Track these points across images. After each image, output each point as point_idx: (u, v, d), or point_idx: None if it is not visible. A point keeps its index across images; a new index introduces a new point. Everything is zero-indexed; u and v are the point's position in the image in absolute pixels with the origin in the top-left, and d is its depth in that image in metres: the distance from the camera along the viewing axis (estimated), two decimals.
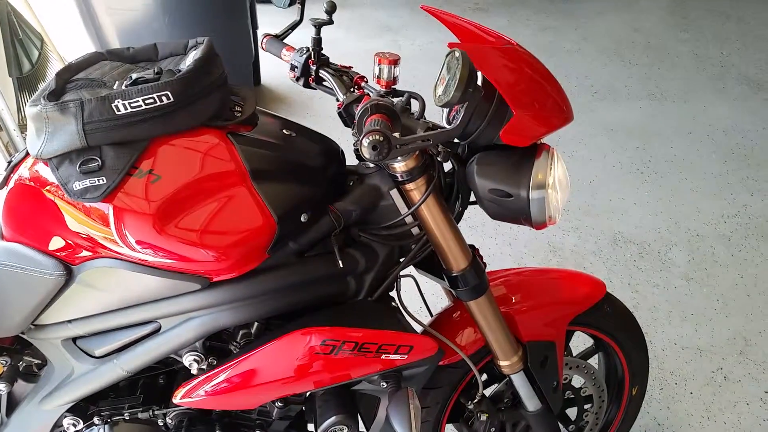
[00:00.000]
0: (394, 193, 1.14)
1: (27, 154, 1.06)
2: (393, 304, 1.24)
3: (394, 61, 0.98)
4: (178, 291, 1.02)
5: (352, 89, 1.23)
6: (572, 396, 1.56)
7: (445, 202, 1.15)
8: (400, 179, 1.09)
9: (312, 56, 1.29)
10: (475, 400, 1.40)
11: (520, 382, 1.36)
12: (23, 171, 1.05)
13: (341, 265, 1.10)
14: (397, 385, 1.11)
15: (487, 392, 1.46)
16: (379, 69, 0.99)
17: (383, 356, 1.07)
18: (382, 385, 1.14)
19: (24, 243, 1.05)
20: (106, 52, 1.13)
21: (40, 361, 1.22)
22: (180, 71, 1.04)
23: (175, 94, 0.96)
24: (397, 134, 0.84)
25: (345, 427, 1.12)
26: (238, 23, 3.15)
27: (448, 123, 1.13)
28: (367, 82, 1.28)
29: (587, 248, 2.60)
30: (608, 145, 3.25)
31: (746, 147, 3.21)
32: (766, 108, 3.51)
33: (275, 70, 3.76)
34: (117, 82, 1.04)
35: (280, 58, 1.40)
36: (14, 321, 1.09)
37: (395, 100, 1.03)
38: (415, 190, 1.10)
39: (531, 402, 1.39)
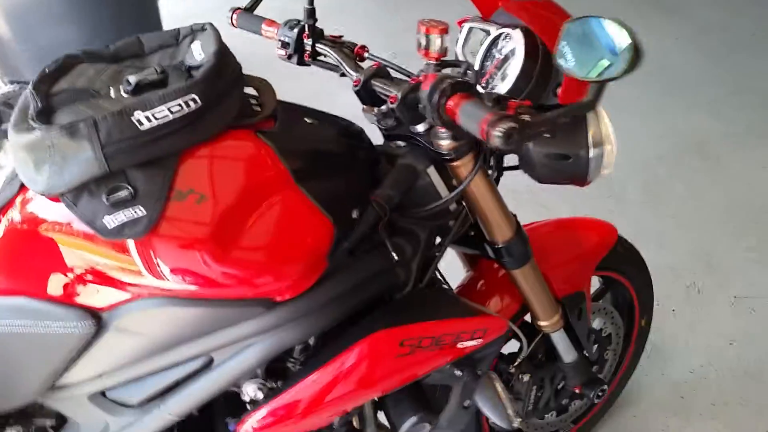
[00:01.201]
0: (432, 171, 1.06)
1: (18, 192, 0.88)
2: (443, 285, 1.17)
3: (445, 30, 0.87)
4: (237, 320, 0.90)
5: (357, 62, 1.12)
6: (595, 338, 1.57)
7: None
8: (447, 157, 1.00)
9: (306, 29, 1.15)
10: (515, 363, 1.37)
11: (559, 337, 1.35)
12: (13, 213, 0.87)
13: (396, 258, 1.01)
14: (473, 372, 1.06)
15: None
16: (427, 39, 0.88)
17: (459, 345, 1.01)
18: (457, 373, 1.08)
19: (31, 295, 0.88)
20: (81, 53, 0.94)
21: (55, 422, 1.06)
22: (193, 67, 0.89)
23: (202, 96, 0.81)
24: (527, 116, 0.74)
25: (427, 424, 1.05)
26: None
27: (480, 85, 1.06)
28: (369, 51, 1.17)
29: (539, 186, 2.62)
30: None
31: (665, 71, 3.34)
32: (670, 26, 3.65)
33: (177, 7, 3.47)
34: (112, 89, 0.87)
35: (260, 34, 1.25)
36: (30, 388, 0.93)
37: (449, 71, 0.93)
38: (462, 166, 1.03)
39: (569, 354, 1.38)
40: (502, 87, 1.00)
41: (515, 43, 0.99)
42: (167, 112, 0.79)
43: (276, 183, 0.87)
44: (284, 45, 1.17)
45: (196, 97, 0.81)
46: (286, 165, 0.88)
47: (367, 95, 1.03)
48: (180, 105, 0.80)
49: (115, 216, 0.77)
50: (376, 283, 1.02)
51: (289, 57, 1.19)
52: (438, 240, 1.15)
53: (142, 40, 0.97)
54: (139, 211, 0.78)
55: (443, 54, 0.89)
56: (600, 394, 1.43)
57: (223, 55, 0.86)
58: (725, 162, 2.79)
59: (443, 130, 0.98)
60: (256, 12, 1.29)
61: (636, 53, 0.77)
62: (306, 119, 1.02)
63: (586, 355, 1.43)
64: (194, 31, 0.95)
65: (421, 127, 1.00)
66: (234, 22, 1.28)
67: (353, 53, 1.16)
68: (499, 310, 1.31)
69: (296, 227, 0.86)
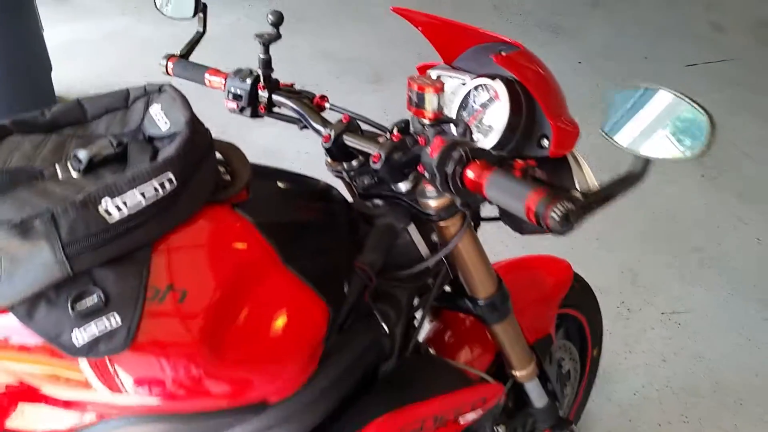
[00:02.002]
0: (412, 229, 1.00)
1: None
2: (428, 349, 1.10)
3: (440, 89, 0.81)
4: (225, 429, 0.77)
5: (319, 114, 1.04)
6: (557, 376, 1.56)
7: None
8: (434, 217, 0.94)
9: (261, 80, 1.05)
10: None
11: (533, 385, 1.31)
12: None
13: (387, 329, 0.93)
14: None
15: None
16: (420, 98, 0.82)
17: (461, 419, 0.94)
18: None
19: None
20: (9, 123, 0.79)
21: None
22: (155, 137, 0.77)
23: (179, 175, 0.70)
24: (578, 193, 0.68)
25: None
26: (26, 24, 2.53)
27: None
28: (329, 101, 1.08)
29: None
30: None
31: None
32: (571, 50, 3.81)
33: (67, 75, 3.20)
34: (58, 168, 0.74)
35: (203, 84, 1.13)
36: None
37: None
38: (450, 225, 0.97)
39: (541, 400, 1.35)
40: (486, 142, 0.95)
41: (498, 95, 0.95)
42: (140, 198, 0.67)
43: (263, 266, 0.76)
44: (235, 97, 1.06)
45: (173, 177, 0.69)
46: (269, 242, 0.78)
47: (337, 151, 0.95)
48: (155, 188, 0.68)
49: (85, 329, 0.64)
50: (366, 359, 0.93)
51: (242, 110, 1.08)
52: (416, 300, 1.08)
53: (83, 103, 0.83)
54: (114, 321, 0.65)
55: (440, 114, 0.82)
56: None
57: (196, 124, 0.75)
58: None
59: (431, 189, 0.91)
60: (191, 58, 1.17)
61: (712, 132, 0.70)
62: (279, 183, 0.92)
63: (557, 397, 1.41)
64: (149, 93, 0.83)
65: (403, 186, 0.94)
66: (170, 71, 1.15)
67: (312, 103, 1.08)
68: (471, 361, 1.27)
69: (292, 316, 0.76)
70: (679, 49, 3.88)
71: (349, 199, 1.05)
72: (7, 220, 0.63)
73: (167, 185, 0.69)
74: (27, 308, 0.64)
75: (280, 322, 0.75)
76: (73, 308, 0.64)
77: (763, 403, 2.00)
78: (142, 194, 0.67)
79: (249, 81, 1.05)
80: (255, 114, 1.08)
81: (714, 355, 2.13)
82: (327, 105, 1.08)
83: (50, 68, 2.75)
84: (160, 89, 0.82)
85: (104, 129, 0.81)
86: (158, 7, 1.16)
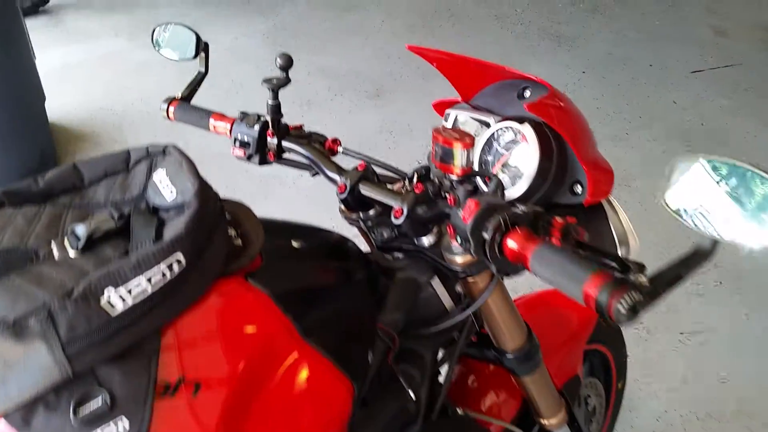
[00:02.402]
0: (436, 282, 0.93)
1: None
2: (455, 410, 1.03)
3: (471, 144, 0.74)
4: None
5: (331, 159, 0.97)
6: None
7: None
8: (461, 274, 0.87)
9: (270, 126, 0.98)
10: None
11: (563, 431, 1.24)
12: None
13: (413, 396, 0.86)
14: None
15: None
16: (449, 152, 0.75)
17: None
18: None
19: None
20: (1, 195, 0.72)
21: None
22: (161, 208, 0.70)
23: (188, 254, 0.63)
24: (643, 277, 0.61)
25: None
26: (18, 54, 2.47)
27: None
28: (341, 145, 1.02)
29: None
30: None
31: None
32: (575, 59, 3.75)
33: (60, 101, 3.13)
34: (54, 245, 0.67)
35: (207, 129, 1.06)
36: None
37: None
38: (478, 280, 0.90)
39: None
40: (515, 190, 0.89)
41: (526, 139, 0.88)
42: (145, 285, 0.60)
43: (282, 343, 0.69)
44: (243, 145, 1.00)
45: (182, 258, 0.62)
46: (287, 315, 0.71)
47: (353, 201, 0.88)
48: (162, 272, 0.61)
49: None
50: (392, 429, 0.86)
51: (249, 158, 1.01)
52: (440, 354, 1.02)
53: (79, 167, 0.77)
54: (122, 426, 0.58)
55: (469, 169, 0.75)
56: None
57: (205, 192, 0.68)
58: (650, 195, 2.85)
59: (457, 244, 0.85)
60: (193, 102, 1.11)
61: None
62: (293, 242, 0.85)
63: None
64: (151, 155, 0.76)
65: (426, 240, 0.87)
66: (171, 115, 1.08)
67: (324, 148, 1.01)
68: (498, 410, 1.20)
69: (315, 398, 0.69)
70: (683, 54, 3.82)
71: (366, 248, 0.98)
72: (0, 318, 0.56)
73: (176, 267, 0.62)
74: (23, 415, 0.57)
75: (302, 406, 0.68)
76: (75, 413, 0.57)
77: None
78: (149, 280, 0.60)
79: (257, 127, 0.98)
80: (263, 161, 1.02)
81: (738, 378, 2.06)
82: (340, 149, 1.01)
83: (44, 98, 2.68)
84: (164, 151, 0.75)
85: (103, 196, 0.74)
86: (157, 48, 1.09)
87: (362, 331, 0.81)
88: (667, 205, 0.63)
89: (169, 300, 0.63)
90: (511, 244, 0.65)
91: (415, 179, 0.89)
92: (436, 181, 0.81)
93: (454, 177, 0.76)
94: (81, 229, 0.66)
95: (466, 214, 0.68)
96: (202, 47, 1.08)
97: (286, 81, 0.97)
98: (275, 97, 0.97)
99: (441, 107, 1.08)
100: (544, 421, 1.19)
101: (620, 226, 0.90)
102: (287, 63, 0.96)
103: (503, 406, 1.20)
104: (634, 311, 0.56)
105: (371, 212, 0.92)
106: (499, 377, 1.19)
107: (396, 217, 0.80)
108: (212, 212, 0.69)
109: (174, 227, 0.65)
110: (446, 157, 0.75)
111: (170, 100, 1.08)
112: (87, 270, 0.62)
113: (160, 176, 0.72)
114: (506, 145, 0.92)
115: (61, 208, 0.73)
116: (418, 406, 0.93)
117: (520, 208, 0.70)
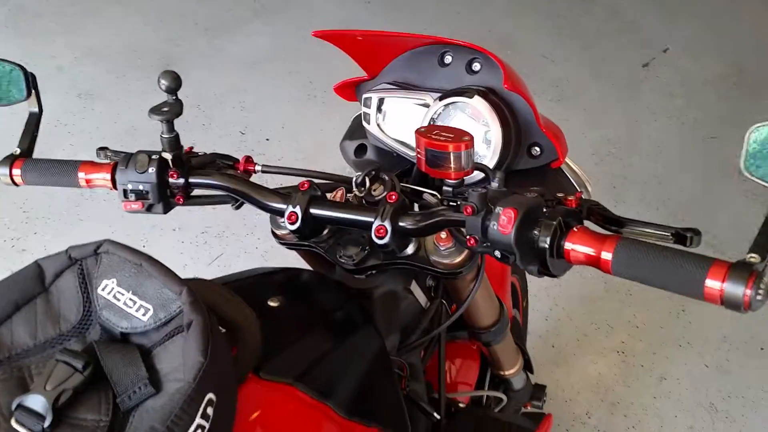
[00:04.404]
0: (414, 287, 0.86)
1: None
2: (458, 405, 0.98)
3: (471, 143, 0.64)
4: None
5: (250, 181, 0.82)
6: None
7: None
8: (450, 276, 0.79)
9: (172, 165, 0.79)
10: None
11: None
12: None
13: (437, 416, 0.80)
14: None
15: None
16: (444, 157, 0.64)
17: None
18: None
19: None
20: None
21: None
22: (133, 333, 0.53)
23: (216, 386, 0.48)
24: (754, 256, 0.52)
25: None
26: None
27: None
28: (254, 162, 0.86)
29: None
30: None
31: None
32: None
33: None
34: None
35: (75, 186, 0.83)
36: None
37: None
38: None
39: (520, 380, 1.31)
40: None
41: (478, 111, 0.81)
42: None
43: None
44: (140, 196, 0.79)
45: (213, 396, 0.47)
46: (320, 399, 0.59)
47: (306, 227, 0.75)
48: (198, 425, 0.45)
49: None
50: None
51: (149, 208, 0.81)
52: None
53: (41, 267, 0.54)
54: None
55: (470, 171, 0.66)
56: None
57: (196, 294, 0.52)
58: None
59: (445, 244, 0.76)
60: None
61: None
62: (268, 303, 0.71)
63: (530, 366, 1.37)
64: (77, 261, 0.56)
65: (410, 249, 0.78)
66: (17, 180, 0.83)
67: (236, 170, 0.84)
68: (466, 381, 1.18)
69: None
70: None
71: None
72: None
73: (210, 410, 0.47)
74: None
75: None
76: None
77: None
78: None
79: (152, 170, 0.78)
80: (168, 208, 0.82)
81: None
82: (258, 168, 0.85)
83: None
84: (96, 251, 0.55)
85: (29, 336, 0.54)
86: None
87: (384, 376, 0.72)
88: (750, 174, 0.61)
89: None
90: (579, 248, 0.58)
91: (368, 184, 0.78)
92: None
93: (452, 181, 0.67)
94: (37, 401, 0.47)
95: (503, 224, 0.59)
96: (32, 83, 0.83)
97: (179, 106, 0.77)
98: (171, 128, 0.77)
99: (346, 90, 0.95)
100: (506, 373, 1.20)
101: (578, 177, 0.88)
102: (175, 83, 0.76)
103: (468, 373, 1.18)
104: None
105: (324, 233, 0.80)
106: (456, 347, 1.17)
107: (380, 237, 0.69)
108: (207, 313, 0.52)
109: (173, 355, 0.49)
110: (440, 162, 0.65)
111: (11, 161, 0.82)
112: None
113: (111, 289, 0.53)
114: (451, 123, 0.84)
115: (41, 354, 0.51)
116: (427, 414, 0.87)
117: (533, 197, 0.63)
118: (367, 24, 3.37)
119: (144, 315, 0.51)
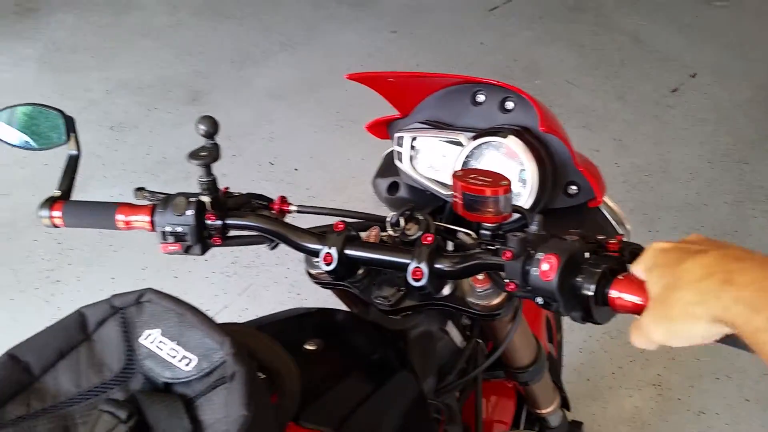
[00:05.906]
0: (450, 326, 0.85)
1: None
2: None
3: (509, 188, 0.64)
4: None
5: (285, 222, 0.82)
6: None
7: None
8: (489, 318, 0.78)
9: (210, 207, 0.79)
10: None
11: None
12: None
13: None
14: None
15: None
16: (483, 201, 0.64)
17: None
18: None
19: None
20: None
21: None
22: (176, 382, 0.52)
23: None
24: None
25: None
26: None
27: None
28: (289, 202, 0.86)
29: None
30: None
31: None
32: (379, 20, 3.72)
33: None
34: None
35: (112, 228, 0.85)
36: None
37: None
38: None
39: (557, 418, 1.28)
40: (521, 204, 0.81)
41: (513, 152, 0.80)
42: None
43: None
44: (178, 238, 0.79)
45: None
46: None
47: (343, 268, 0.75)
48: None
49: None
50: None
51: (187, 250, 0.81)
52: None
53: (17, 355, 0.55)
54: None
55: (509, 215, 0.65)
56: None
57: (239, 344, 0.52)
58: None
59: (482, 286, 0.75)
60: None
61: None
62: (305, 347, 0.70)
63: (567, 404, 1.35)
64: (121, 309, 0.56)
65: (447, 290, 0.77)
66: (58, 222, 0.85)
67: (271, 211, 0.85)
68: (501, 419, 1.16)
69: None
70: None
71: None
72: None
73: None
74: None
75: None
76: None
77: None
78: None
79: (190, 212, 0.79)
80: (206, 249, 0.83)
81: None
82: (292, 208, 0.86)
83: None
84: (138, 300, 0.56)
85: (72, 385, 0.54)
86: (15, 143, 0.83)
87: (422, 422, 0.71)
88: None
89: None
90: (625, 296, 0.57)
91: (402, 223, 0.78)
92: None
93: (490, 225, 0.66)
94: None
95: (545, 271, 0.59)
96: (71, 127, 0.85)
97: (217, 150, 0.78)
98: (209, 172, 0.78)
99: (378, 128, 0.96)
100: (542, 411, 1.18)
101: (616, 216, 0.86)
102: (213, 128, 0.77)
103: (504, 411, 1.16)
104: None
105: (359, 273, 0.80)
106: (491, 385, 1.15)
107: (416, 279, 0.69)
108: (252, 365, 0.52)
109: (216, 406, 0.49)
110: (478, 206, 0.65)
111: (51, 203, 0.84)
112: None
113: (153, 339, 0.53)
114: (485, 163, 0.83)
115: (22, 428, 0.51)
116: None
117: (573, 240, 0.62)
118: (392, 55, 3.41)
119: (187, 365, 0.51)
